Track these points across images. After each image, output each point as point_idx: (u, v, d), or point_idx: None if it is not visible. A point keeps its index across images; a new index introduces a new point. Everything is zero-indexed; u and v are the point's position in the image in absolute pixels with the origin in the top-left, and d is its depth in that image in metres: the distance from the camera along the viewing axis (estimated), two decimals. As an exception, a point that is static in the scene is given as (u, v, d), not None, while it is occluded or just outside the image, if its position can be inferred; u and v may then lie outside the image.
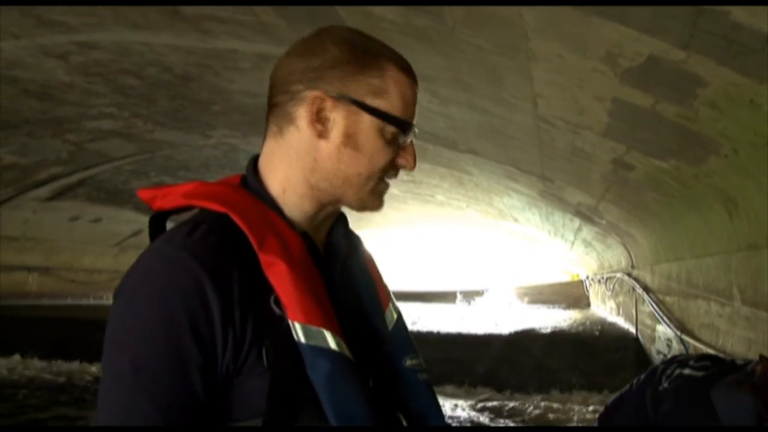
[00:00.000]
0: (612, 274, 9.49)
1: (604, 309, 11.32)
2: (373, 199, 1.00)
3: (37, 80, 6.29)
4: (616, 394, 2.36)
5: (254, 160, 1.02)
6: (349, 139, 0.94)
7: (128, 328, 0.83)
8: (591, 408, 6.39)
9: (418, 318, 9.92)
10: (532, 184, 7.27)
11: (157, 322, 0.82)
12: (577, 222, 8.32)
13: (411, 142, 1.00)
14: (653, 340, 6.77)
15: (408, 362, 1.06)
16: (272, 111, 0.98)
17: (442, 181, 9.62)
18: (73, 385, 7.46)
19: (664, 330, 6.16)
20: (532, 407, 6.63)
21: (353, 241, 1.09)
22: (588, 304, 13.76)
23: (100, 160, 9.36)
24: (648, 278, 7.08)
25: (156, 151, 9.22)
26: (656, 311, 6.37)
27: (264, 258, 0.87)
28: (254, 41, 4.88)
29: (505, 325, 9.02)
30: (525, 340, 8.12)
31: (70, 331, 8.77)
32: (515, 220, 11.28)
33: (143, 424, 0.79)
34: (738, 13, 2.21)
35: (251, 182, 0.99)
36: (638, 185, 4.92)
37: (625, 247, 7.76)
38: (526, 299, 16.21)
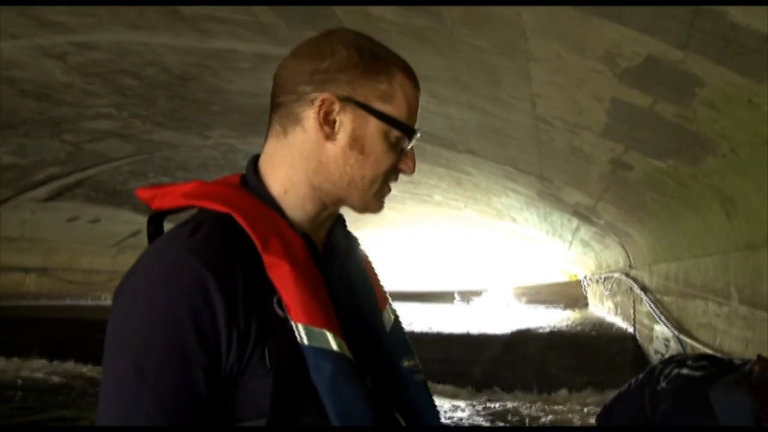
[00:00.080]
0: (610, 274, 9.50)
1: (602, 309, 11.33)
2: (375, 202, 1.00)
3: (35, 80, 6.29)
4: (615, 394, 2.36)
5: (254, 160, 1.01)
6: (356, 142, 0.94)
7: (130, 328, 0.83)
8: (589, 407, 6.40)
9: (417, 318, 9.92)
10: (530, 184, 7.28)
11: (160, 322, 0.81)
12: (575, 222, 8.32)
13: (411, 147, 1.01)
14: (651, 339, 6.77)
15: (405, 363, 1.06)
16: (276, 110, 0.98)
17: (441, 181, 9.62)
18: (71, 386, 7.46)
19: (661, 330, 6.16)
20: (530, 407, 6.64)
21: (351, 242, 1.09)
22: (586, 304, 13.77)
23: (98, 161, 9.35)
24: (646, 278, 7.08)
25: (154, 151, 9.21)
26: (654, 311, 6.38)
27: (267, 259, 0.87)
28: (253, 41, 4.88)
29: (503, 325, 9.03)
30: (523, 340, 8.13)
31: (68, 332, 8.77)
32: (513, 220, 11.29)
33: (147, 425, 0.79)
34: (736, 13, 2.21)
35: (251, 182, 0.99)
36: (636, 185, 4.93)
37: (623, 247, 7.77)
38: (524, 299, 16.22)
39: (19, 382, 7.62)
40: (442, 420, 1.14)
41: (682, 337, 5.38)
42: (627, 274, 8.03)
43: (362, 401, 0.88)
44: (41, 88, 6.51)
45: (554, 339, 8.26)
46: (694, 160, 3.68)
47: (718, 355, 2.81)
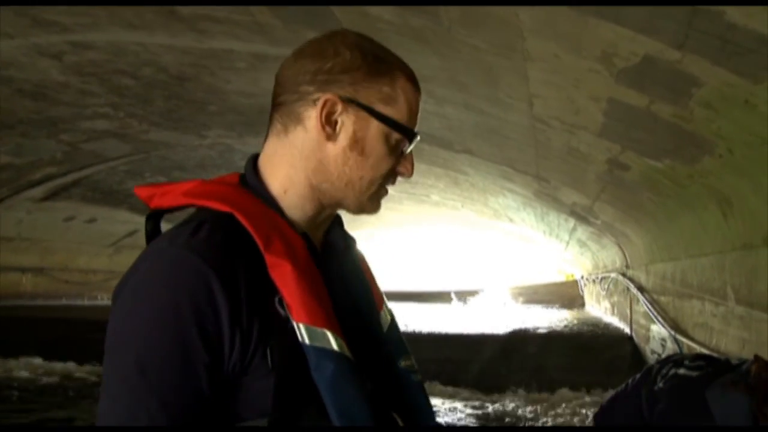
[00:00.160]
0: (607, 274, 9.51)
1: (599, 309, 11.34)
2: (371, 204, 1.01)
3: (31, 80, 6.27)
4: (612, 394, 2.36)
5: (253, 159, 1.02)
6: (356, 144, 0.95)
7: (132, 328, 0.83)
8: (586, 407, 6.40)
9: (414, 318, 9.92)
10: (527, 184, 7.28)
11: (163, 321, 0.81)
12: (572, 222, 8.33)
13: (410, 150, 1.01)
14: (647, 339, 6.78)
15: (402, 363, 1.07)
16: (277, 109, 0.98)
17: (438, 181, 9.62)
18: (68, 386, 7.44)
19: (658, 329, 6.17)
20: (527, 407, 6.64)
21: (348, 242, 1.10)
22: (583, 304, 13.79)
23: (95, 161, 9.33)
24: (642, 278, 7.09)
25: (151, 151, 9.20)
26: (650, 311, 6.39)
27: (269, 259, 0.88)
28: (250, 41, 4.88)
29: (500, 326, 9.03)
30: (520, 340, 8.14)
31: (65, 332, 8.75)
32: (510, 220, 11.30)
33: (149, 424, 0.79)
34: (733, 13, 2.22)
35: (251, 181, 0.99)
36: (633, 185, 4.93)
37: (620, 247, 7.78)
38: (521, 299, 16.23)
39: (16, 382, 7.60)
40: (439, 420, 1.14)
41: (679, 337, 5.39)
42: (624, 274, 8.04)
43: (362, 401, 0.88)
44: (38, 88, 6.50)
45: (551, 339, 8.27)
46: (690, 160, 3.68)
47: (715, 355, 2.82)
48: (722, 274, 4.14)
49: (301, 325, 0.86)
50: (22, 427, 6.03)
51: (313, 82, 0.94)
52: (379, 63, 0.96)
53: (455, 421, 6.24)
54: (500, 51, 3.68)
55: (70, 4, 4.48)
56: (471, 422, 6.25)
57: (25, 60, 5.70)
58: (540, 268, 17.93)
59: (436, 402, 6.66)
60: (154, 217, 0.96)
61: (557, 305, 14.41)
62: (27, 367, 8.30)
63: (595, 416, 2.38)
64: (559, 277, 16.81)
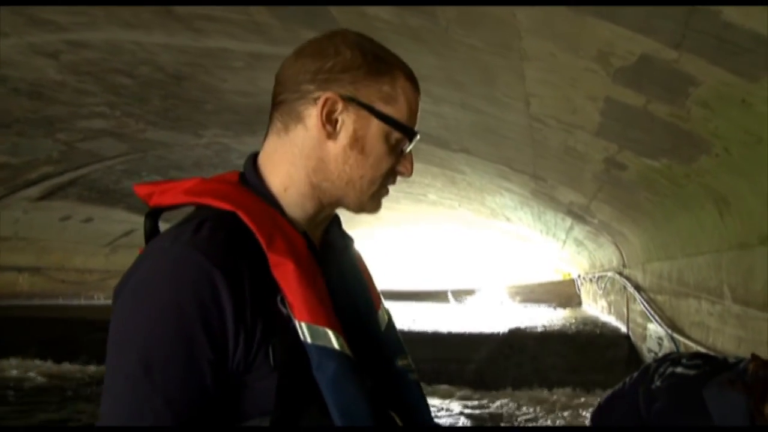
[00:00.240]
0: (603, 273, 9.52)
1: (596, 308, 11.36)
2: (372, 203, 1.01)
3: (27, 79, 6.25)
4: (609, 392, 2.37)
5: (253, 158, 1.02)
6: (356, 142, 0.95)
7: (135, 326, 0.83)
8: (583, 406, 6.41)
9: (411, 317, 9.92)
10: (524, 183, 7.29)
11: (167, 319, 0.81)
12: (569, 221, 8.34)
13: (410, 150, 1.01)
14: (644, 338, 6.80)
15: (399, 362, 1.07)
16: (277, 108, 0.99)
17: (435, 180, 9.63)
18: (64, 386, 7.42)
19: (655, 328, 6.18)
20: (524, 406, 6.65)
21: (347, 241, 1.10)
22: (579, 303, 13.80)
23: (91, 160, 9.31)
24: (639, 277, 7.11)
25: (148, 150, 9.18)
26: (647, 310, 6.40)
27: (272, 258, 0.88)
28: (247, 40, 4.87)
29: (497, 324, 9.04)
30: (517, 339, 8.14)
31: (62, 332, 8.74)
32: (507, 219, 11.30)
33: (154, 422, 0.79)
34: (730, 12, 2.22)
35: (251, 179, 0.99)
36: (630, 184, 4.94)
37: (617, 246, 7.79)
38: (517, 298, 16.25)
39: (12, 382, 7.59)
40: (436, 420, 1.14)
41: (676, 336, 5.40)
42: (620, 273, 8.05)
43: (363, 400, 0.88)
44: (34, 87, 6.48)
45: (548, 338, 8.28)
46: (687, 160, 3.69)
47: (712, 353, 2.82)
48: (719, 273, 4.15)
49: (303, 324, 0.86)
50: (21, 427, 6.01)
51: (313, 81, 0.94)
52: (379, 62, 0.97)
53: (451, 420, 6.25)
54: (497, 50, 3.68)
55: (68, 4, 4.47)
56: (467, 421, 6.26)
57: (21, 59, 5.68)
58: (537, 267, 17.94)
59: (433, 401, 6.66)
60: (153, 215, 0.96)
61: (554, 304, 14.43)
62: (24, 367, 8.28)
63: (593, 415, 2.39)
64: (556, 276, 16.83)
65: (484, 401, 6.89)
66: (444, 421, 6.15)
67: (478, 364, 7.66)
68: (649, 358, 6.39)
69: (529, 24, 3.15)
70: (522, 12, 3.01)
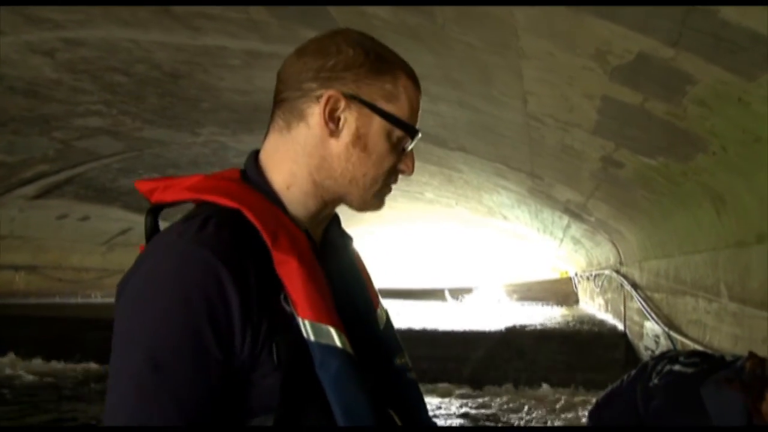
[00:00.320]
0: (600, 271, 9.54)
1: (593, 306, 11.38)
2: (375, 201, 1.02)
3: (23, 77, 6.24)
4: (607, 390, 2.37)
5: (254, 155, 1.02)
6: (359, 140, 0.95)
7: (141, 324, 0.82)
8: (580, 404, 6.42)
9: (408, 315, 9.93)
10: (521, 181, 7.29)
11: (174, 316, 0.81)
12: (566, 219, 8.35)
13: (411, 148, 1.02)
14: (641, 336, 6.81)
15: (397, 361, 1.07)
16: (279, 106, 0.99)
17: (432, 178, 9.63)
18: (61, 385, 7.41)
19: (652, 326, 6.20)
20: (521, 403, 6.66)
21: (346, 240, 1.10)
22: (577, 301, 13.83)
23: (87, 158, 9.29)
24: (636, 275, 7.12)
25: (144, 148, 9.17)
26: (644, 308, 6.41)
27: (277, 255, 0.88)
28: (244, 38, 4.86)
29: (494, 323, 9.05)
30: (514, 337, 8.16)
31: (58, 330, 8.72)
32: (504, 217, 11.31)
33: (162, 420, 0.79)
34: (727, 11, 2.22)
35: (253, 177, 0.99)
36: (627, 183, 4.95)
37: (614, 244, 7.80)
38: (515, 296, 16.27)
39: (8, 381, 7.57)
40: (434, 419, 1.14)
41: (672, 334, 5.41)
42: (617, 271, 8.06)
43: (365, 398, 0.88)
44: (30, 85, 6.46)
45: (545, 336, 8.29)
46: (684, 158, 3.69)
47: (710, 351, 2.83)
48: (716, 271, 4.16)
49: (307, 322, 0.86)
50: (21, 427, 6.00)
51: (316, 79, 0.94)
52: (381, 61, 0.97)
53: (449, 419, 6.25)
54: (495, 49, 3.68)
55: (65, 4, 4.46)
56: (464, 420, 6.26)
57: (17, 57, 5.67)
58: (534, 265, 17.98)
59: (432, 400, 6.67)
60: (154, 212, 0.96)
61: (551, 302, 14.46)
62: (20, 366, 8.27)
63: (591, 412, 2.39)
64: (553, 274, 16.86)
65: (483, 399, 6.90)
66: (440, 419, 6.16)
67: (474, 362, 7.67)
68: (646, 356, 6.41)
69: (527, 23, 3.15)
70: (520, 11, 3.01)
